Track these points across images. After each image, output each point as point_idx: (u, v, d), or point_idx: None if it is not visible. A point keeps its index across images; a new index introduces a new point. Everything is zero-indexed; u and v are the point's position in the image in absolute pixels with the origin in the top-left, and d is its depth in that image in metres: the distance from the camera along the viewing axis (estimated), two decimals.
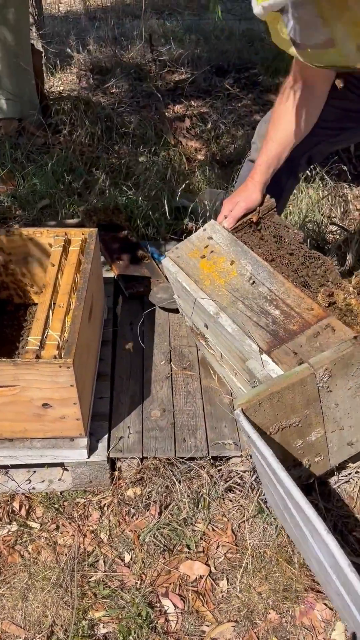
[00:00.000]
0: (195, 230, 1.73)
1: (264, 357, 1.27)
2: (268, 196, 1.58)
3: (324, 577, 1.21)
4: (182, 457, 1.61)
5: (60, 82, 4.14)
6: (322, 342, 1.27)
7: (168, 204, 2.53)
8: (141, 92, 3.94)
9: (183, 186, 2.70)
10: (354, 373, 1.25)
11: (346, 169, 2.76)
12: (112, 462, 1.63)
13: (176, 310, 1.96)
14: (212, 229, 1.60)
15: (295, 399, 1.21)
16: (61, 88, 4.03)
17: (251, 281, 1.44)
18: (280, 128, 1.49)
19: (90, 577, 1.46)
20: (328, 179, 2.78)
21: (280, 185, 1.65)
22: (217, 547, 1.54)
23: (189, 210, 2.53)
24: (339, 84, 1.44)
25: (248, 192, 1.57)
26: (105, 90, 3.94)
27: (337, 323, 1.30)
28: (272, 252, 1.52)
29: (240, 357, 1.35)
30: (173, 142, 3.29)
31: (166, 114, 3.69)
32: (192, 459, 1.63)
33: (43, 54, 3.76)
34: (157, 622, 1.38)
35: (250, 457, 1.55)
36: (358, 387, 1.28)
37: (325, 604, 1.40)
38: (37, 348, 1.40)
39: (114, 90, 3.94)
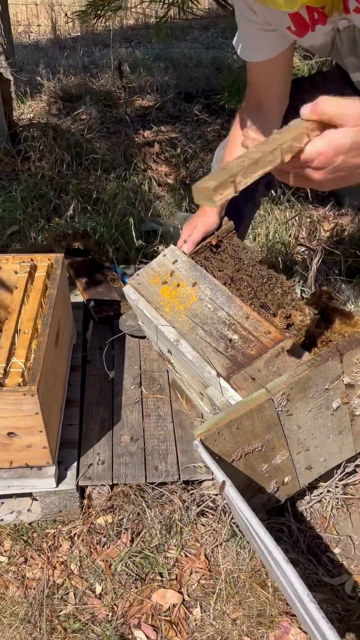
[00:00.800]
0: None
1: (223, 383, 1.27)
2: (226, 219, 1.60)
3: (291, 601, 1.20)
4: (152, 483, 1.59)
5: (30, 110, 4.16)
6: (280, 365, 1.27)
7: (137, 228, 2.54)
8: (111, 118, 3.99)
9: (152, 210, 2.72)
10: (313, 395, 1.25)
11: (309, 190, 2.82)
12: (81, 490, 1.60)
13: (145, 337, 1.96)
14: (172, 254, 1.60)
15: (255, 425, 1.20)
16: (31, 115, 4.06)
17: (210, 306, 1.45)
18: (235, 153, 1.51)
19: (60, 611, 1.42)
20: (295, 200, 2.83)
21: (239, 210, 1.67)
22: (190, 573, 1.51)
23: (159, 233, 2.55)
24: None
25: (206, 217, 1.58)
26: (75, 117, 3.97)
27: (294, 346, 1.31)
28: (231, 274, 1.53)
29: (202, 384, 1.34)
30: (143, 167, 3.33)
31: (136, 139, 3.74)
32: (163, 484, 1.61)
33: (12, 82, 3.79)
34: None
35: None
36: (319, 408, 1.29)
37: (299, 628, 1.38)
38: (1, 376, 1.38)
39: (83, 116, 3.98)
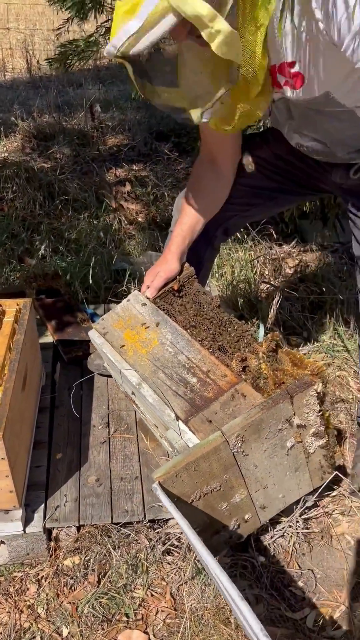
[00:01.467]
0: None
1: (182, 426, 1.33)
2: (187, 264, 1.68)
3: (250, 638, 1.24)
4: (118, 523, 1.62)
5: (5, 149, 4.26)
6: (235, 408, 1.34)
7: (107, 268, 2.62)
8: (84, 157, 4.10)
9: (122, 249, 2.80)
10: (267, 436, 1.32)
11: (273, 230, 2.93)
12: (49, 532, 1.63)
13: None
14: (135, 299, 1.67)
15: (212, 466, 1.26)
16: (5, 155, 4.15)
17: (171, 350, 1.52)
18: (192, 204, 1.60)
19: None
20: (259, 239, 2.94)
21: (198, 255, 1.76)
22: (156, 612, 1.54)
23: (128, 273, 2.62)
24: (249, 164, 1.58)
25: (167, 264, 1.66)
26: (49, 156, 4.08)
27: (248, 389, 1.38)
28: (192, 318, 1.60)
29: (163, 426, 1.40)
30: (114, 206, 3.42)
31: (108, 178, 3.84)
32: (129, 523, 1.65)
33: None
34: None
35: None
36: (274, 447, 1.35)
37: None
38: None
39: (57, 155, 4.08)
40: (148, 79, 1.07)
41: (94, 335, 1.66)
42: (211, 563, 1.05)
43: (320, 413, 1.37)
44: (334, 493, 1.77)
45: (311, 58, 1.10)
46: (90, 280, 2.58)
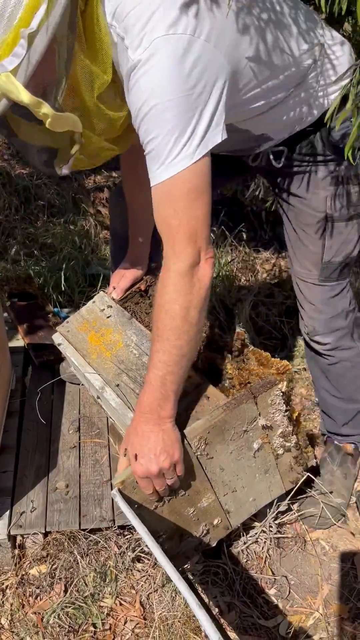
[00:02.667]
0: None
1: None
2: (154, 265, 1.65)
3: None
4: (86, 529, 1.57)
5: None
6: (198, 410, 1.30)
7: (82, 272, 2.58)
8: None
9: (98, 254, 2.77)
10: (232, 437, 1.28)
11: (245, 235, 2.92)
12: (14, 540, 1.57)
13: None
14: (100, 301, 1.64)
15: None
16: None
17: (136, 352, 1.48)
18: (135, 198, 1.56)
19: None
20: (236, 244, 2.94)
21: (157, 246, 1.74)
22: (125, 622, 1.49)
23: (102, 277, 2.59)
24: None
25: (132, 264, 1.64)
26: (26, 162, 4.04)
27: (212, 390, 1.34)
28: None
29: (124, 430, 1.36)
30: (92, 212, 3.40)
31: (86, 184, 3.82)
32: (98, 530, 1.60)
33: None
34: None
35: None
36: (240, 449, 1.31)
37: None
38: None
39: None
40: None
41: (57, 339, 1.61)
42: (169, 570, 1.01)
43: (287, 413, 1.34)
44: (307, 495, 1.74)
45: None
46: (63, 284, 2.54)
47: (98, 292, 1.69)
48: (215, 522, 1.39)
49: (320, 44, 1.21)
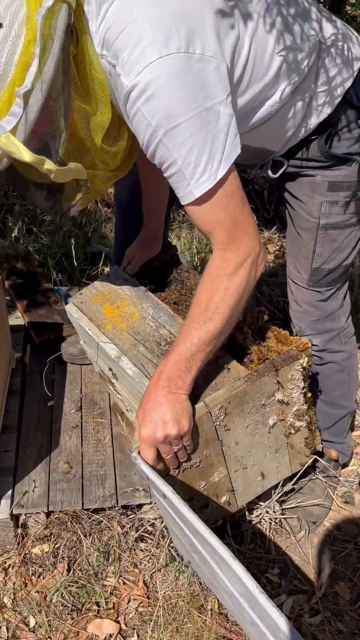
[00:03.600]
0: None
1: None
2: (169, 243, 1.63)
3: (238, 610, 1.18)
4: (89, 509, 1.56)
5: None
6: (218, 381, 1.28)
7: (82, 250, 2.54)
8: None
9: (97, 232, 2.73)
10: (250, 410, 1.27)
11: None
12: (16, 519, 1.56)
13: (87, 364, 1.94)
14: (115, 275, 1.62)
15: (193, 439, 1.21)
16: None
17: (152, 324, 1.46)
18: (148, 175, 1.53)
19: None
20: None
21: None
22: (128, 601, 1.49)
23: (104, 255, 2.55)
24: None
25: (148, 240, 1.62)
26: None
27: (232, 362, 1.32)
28: (174, 295, 1.56)
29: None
30: None
31: None
32: (101, 509, 1.59)
33: None
34: None
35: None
36: (256, 424, 1.30)
37: None
38: None
39: None
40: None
41: (70, 309, 1.58)
42: (199, 526, 1.00)
43: (304, 390, 1.33)
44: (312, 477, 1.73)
45: None
46: (65, 262, 2.49)
47: (113, 267, 1.67)
48: (223, 499, 1.38)
49: (317, 48, 1.16)
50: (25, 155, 0.89)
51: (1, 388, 1.74)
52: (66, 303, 2.21)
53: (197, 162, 0.99)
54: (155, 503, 1.49)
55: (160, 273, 1.65)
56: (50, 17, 0.86)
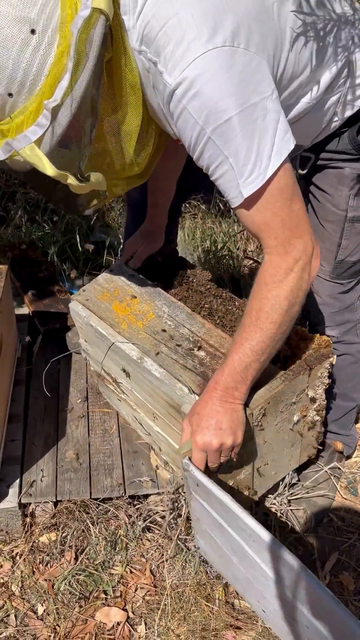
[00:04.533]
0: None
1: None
2: (171, 238, 1.61)
3: (259, 582, 1.20)
4: (97, 499, 1.57)
5: None
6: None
7: (86, 239, 2.52)
8: None
9: (100, 221, 2.71)
10: (282, 409, 1.26)
11: None
12: (24, 508, 1.56)
13: None
14: (119, 270, 1.58)
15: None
16: None
17: (170, 323, 1.42)
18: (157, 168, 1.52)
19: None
20: None
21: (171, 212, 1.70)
22: (136, 589, 1.50)
23: (107, 244, 2.54)
24: None
25: (151, 235, 1.59)
26: None
27: None
28: (182, 293, 1.53)
29: (167, 402, 1.31)
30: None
31: None
32: (109, 499, 1.60)
33: None
34: None
35: (175, 493, 1.53)
36: (283, 421, 1.30)
37: None
38: None
39: None
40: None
41: (76, 307, 1.51)
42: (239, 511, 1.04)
43: (326, 387, 1.34)
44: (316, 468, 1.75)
45: None
46: (69, 251, 2.48)
47: (115, 261, 1.64)
48: (244, 494, 1.38)
49: (351, 42, 1.13)
50: (49, 169, 0.86)
51: (7, 377, 1.74)
52: (70, 293, 2.21)
53: (246, 160, 0.96)
54: (171, 493, 1.48)
55: (163, 268, 1.62)
56: (87, 31, 0.82)
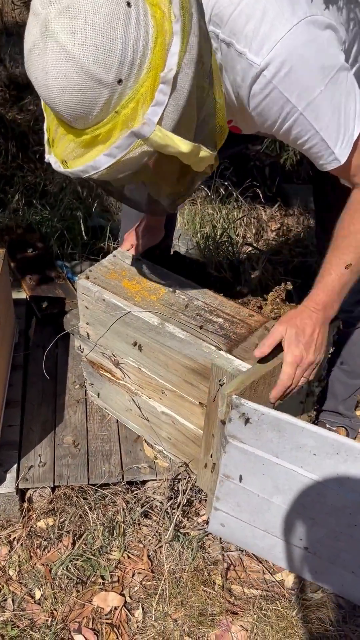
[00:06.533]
0: (112, 251, 1.68)
1: (227, 355, 1.26)
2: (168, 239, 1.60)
3: (310, 507, 1.24)
4: (95, 484, 1.56)
5: None
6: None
7: (84, 223, 2.50)
8: None
9: (100, 205, 2.68)
10: None
11: (259, 191, 2.84)
12: (22, 493, 1.56)
13: None
14: (122, 256, 1.56)
15: (264, 392, 1.21)
16: None
17: (183, 297, 1.43)
18: None
19: None
20: (242, 200, 2.86)
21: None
22: (133, 575, 1.50)
23: (106, 229, 2.51)
24: None
25: (150, 228, 1.56)
26: (22, 107, 3.86)
27: None
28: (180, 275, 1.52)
29: (189, 367, 1.32)
30: None
31: None
32: (106, 485, 1.59)
33: None
34: None
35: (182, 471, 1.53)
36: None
37: (241, 626, 1.40)
38: None
39: (31, 107, 3.86)
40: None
41: (86, 284, 1.47)
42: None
43: (329, 355, 1.34)
44: None
45: (241, 119, 1.11)
46: (67, 235, 2.45)
47: (117, 250, 1.61)
48: None
49: None
50: (183, 145, 0.83)
51: (5, 361, 1.72)
52: (68, 278, 2.19)
53: (338, 129, 0.97)
54: (170, 475, 1.47)
55: (160, 261, 1.60)
56: None
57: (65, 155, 0.92)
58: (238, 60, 0.90)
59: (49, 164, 1.00)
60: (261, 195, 2.87)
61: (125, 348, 1.48)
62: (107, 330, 1.49)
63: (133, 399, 1.57)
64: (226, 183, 2.89)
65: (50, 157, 0.97)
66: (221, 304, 1.41)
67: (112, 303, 1.43)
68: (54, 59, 0.78)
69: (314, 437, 1.11)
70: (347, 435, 1.77)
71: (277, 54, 0.87)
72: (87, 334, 1.58)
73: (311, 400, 1.50)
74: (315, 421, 1.77)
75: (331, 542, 1.29)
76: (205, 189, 2.94)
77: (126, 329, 1.43)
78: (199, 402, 1.37)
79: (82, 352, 1.66)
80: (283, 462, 1.19)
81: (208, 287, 1.47)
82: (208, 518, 1.52)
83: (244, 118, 1.08)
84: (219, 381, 1.25)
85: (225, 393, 1.16)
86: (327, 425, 1.77)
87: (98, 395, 1.72)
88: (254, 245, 2.60)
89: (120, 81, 0.78)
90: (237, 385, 1.16)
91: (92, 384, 1.72)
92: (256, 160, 3.34)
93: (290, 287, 1.41)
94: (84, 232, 2.48)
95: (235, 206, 2.83)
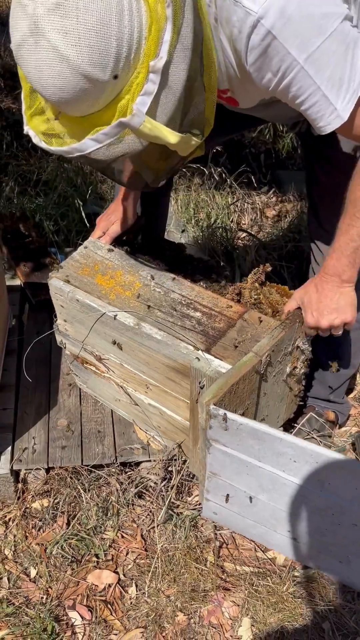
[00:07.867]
0: None
1: (205, 355, 1.24)
2: (139, 215, 1.59)
3: (296, 505, 1.25)
4: (88, 465, 1.58)
5: None
6: (252, 333, 1.28)
7: (78, 210, 2.50)
8: None
9: (94, 193, 2.68)
10: (280, 358, 1.28)
11: (253, 178, 2.84)
12: (16, 475, 1.58)
13: None
14: (94, 246, 1.54)
15: (244, 390, 1.21)
16: None
17: (159, 290, 1.41)
18: None
19: None
20: (237, 186, 2.86)
21: (156, 201, 1.67)
22: (127, 553, 1.52)
23: None
24: None
25: (122, 212, 1.54)
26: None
27: (261, 315, 1.33)
28: (160, 266, 1.51)
29: (169, 366, 1.30)
30: None
31: None
32: (100, 466, 1.61)
33: None
34: (63, 636, 1.34)
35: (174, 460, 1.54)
36: (278, 373, 1.31)
37: (232, 601, 1.42)
38: None
39: None
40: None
41: (58, 284, 1.44)
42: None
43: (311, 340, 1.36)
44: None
45: (238, 86, 1.06)
46: (61, 222, 2.46)
47: (88, 240, 1.58)
48: None
49: None
50: (171, 137, 0.81)
51: None
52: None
53: (341, 83, 0.92)
54: (165, 459, 1.49)
55: (134, 245, 1.59)
56: None
57: (49, 131, 0.92)
58: (234, 10, 0.85)
59: (39, 148, 0.98)
60: (254, 181, 2.87)
61: (105, 345, 1.47)
62: (89, 333, 1.47)
63: (122, 388, 1.58)
64: (220, 169, 2.89)
65: (29, 130, 0.96)
66: (198, 294, 1.39)
67: (86, 304, 1.40)
68: (47, 57, 0.76)
69: (292, 447, 1.12)
70: (336, 419, 1.78)
71: (274, 2, 0.82)
72: (66, 329, 1.58)
73: (299, 387, 1.49)
74: (304, 405, 1.79)
75: (318, 537, 1.31)
76: (199, 175, 2.94)
77: (104, 328, 1.42)
78: (183, 399, 1.38)
79: (64, 347, 1.66)
80: (265, 466, 1.20)
81: (188, 272, 1.47)
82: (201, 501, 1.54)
83: (242, 82, 1.03)
84: (199, 383, 1.25)
85: (203, 402, 1.16)
86: (317, 409, 1.77)
87: (86, 385, 1.73)
88: (249, 231, 2.61)
89: (116, 77, 0.77)
90: (215, 392, 1.15)
91: (77, 375, 1.73)
92: (251, 147, 3.33)
93: (269, 269, 1.41)
94: (84, 218, 2.49)
95: (229, 192, 2.83)
